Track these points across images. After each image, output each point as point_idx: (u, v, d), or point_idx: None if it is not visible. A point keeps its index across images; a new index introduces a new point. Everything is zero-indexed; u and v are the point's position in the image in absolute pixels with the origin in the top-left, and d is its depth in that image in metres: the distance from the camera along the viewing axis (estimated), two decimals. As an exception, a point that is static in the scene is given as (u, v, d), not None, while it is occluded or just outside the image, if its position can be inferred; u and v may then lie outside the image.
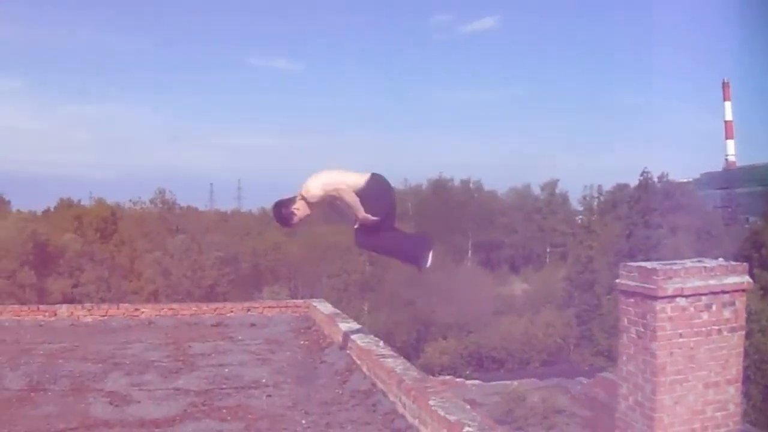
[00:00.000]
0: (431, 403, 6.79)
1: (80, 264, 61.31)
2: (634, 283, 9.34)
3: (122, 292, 56.90)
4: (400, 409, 7.65)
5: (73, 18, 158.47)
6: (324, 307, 13.85)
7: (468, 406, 6.90)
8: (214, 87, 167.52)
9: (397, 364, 8.52)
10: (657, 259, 10.43)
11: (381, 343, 9.95)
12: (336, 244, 68.72)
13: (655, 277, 8.95)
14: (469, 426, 6.16)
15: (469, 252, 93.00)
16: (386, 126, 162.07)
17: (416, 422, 7.13)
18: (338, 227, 78.35)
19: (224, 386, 9.11)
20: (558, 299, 66.34)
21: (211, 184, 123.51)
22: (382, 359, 8.77)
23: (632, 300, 9.40)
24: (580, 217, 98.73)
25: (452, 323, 61.69)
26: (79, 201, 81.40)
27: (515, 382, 39.49)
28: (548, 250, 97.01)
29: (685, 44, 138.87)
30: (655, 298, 8.95)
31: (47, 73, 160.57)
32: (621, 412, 9.67)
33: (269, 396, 8.74)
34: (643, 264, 9.47)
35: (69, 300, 49.39)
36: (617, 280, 9.69)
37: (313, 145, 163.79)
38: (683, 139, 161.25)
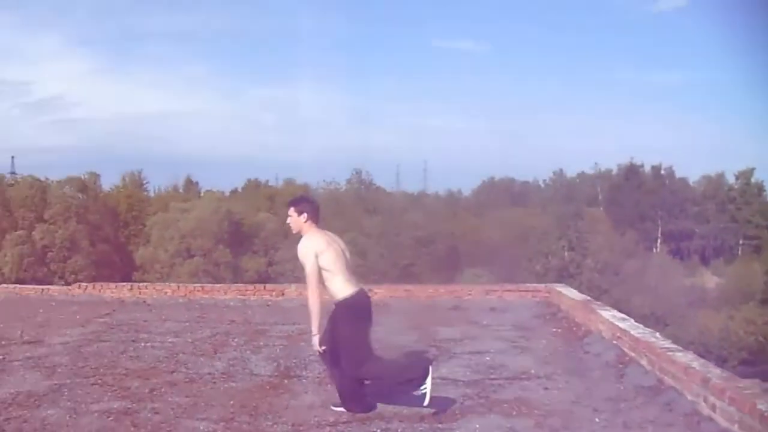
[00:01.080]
0: (762, 408, 5.79)
1: (275, 243, 62.14)
2: None
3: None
4: (705, 411, 6.75)
5: (258, 1, 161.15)
6: (570, 293, 12.95)
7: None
8: (399, 68, 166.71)
9: (689, 358, 7.60)
10: None
11: (658, 334, 9.01)
12: (534, 227, 67.58)
13: None
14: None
15: (659, 240, 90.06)
16: (574, 109, 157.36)
17: (735, 427, 6.18)
18: (531, 210, 77.31)
19: (493, 376, 8.46)
20: (757, 295, 62.97)
21: (398, 165, 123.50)
22: (669, 353, 7.84)
23: None
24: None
25: (647, 314, 59.65)
26: (267, 182, 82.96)
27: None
28: (741, 242, 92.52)
29: None
30: None
31: (233, 57, 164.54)
32: None
33: (546, 389, 7.99)
34: None
35: (264, 279, 49.91)
36: None
37: (499, 127, 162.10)
38: None
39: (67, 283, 30.70)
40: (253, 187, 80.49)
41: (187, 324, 12.07)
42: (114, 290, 15.87)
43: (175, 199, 71.90)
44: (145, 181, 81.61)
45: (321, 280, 7.20)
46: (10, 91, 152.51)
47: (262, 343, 10.34)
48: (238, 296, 14.54)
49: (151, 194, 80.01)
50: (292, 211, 7.39)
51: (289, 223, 7.49)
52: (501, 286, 15.09)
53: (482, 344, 10.13)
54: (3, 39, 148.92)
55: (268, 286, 15.54)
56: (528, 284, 16.11)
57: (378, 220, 64.34)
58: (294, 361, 9.34)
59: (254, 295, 14.60)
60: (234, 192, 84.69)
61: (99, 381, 8.47)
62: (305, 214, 7.35)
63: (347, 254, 7.42)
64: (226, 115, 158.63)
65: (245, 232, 62.49)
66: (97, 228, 67.93)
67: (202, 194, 77.24)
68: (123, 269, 64.03)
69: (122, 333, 11.52)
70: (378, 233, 59.28)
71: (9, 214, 66.10)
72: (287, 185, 78.34)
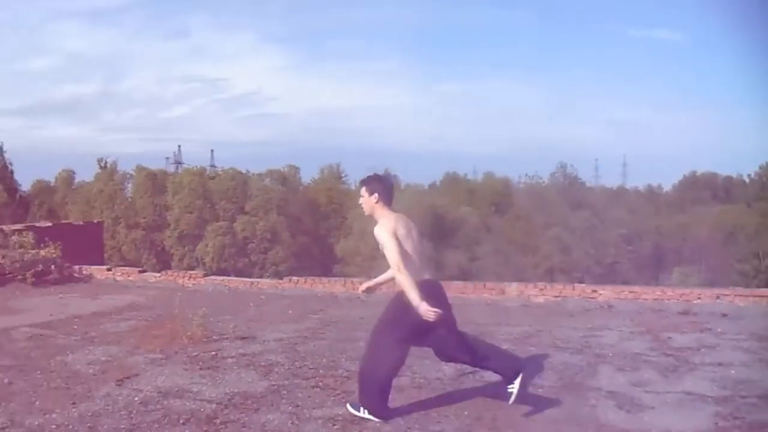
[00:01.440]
0: None
1: (477, 238, 61.92)
2: None
3: (520, 268, 56.59)
4: None
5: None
6: (815, 301, 11.92)
7: None
8: (595, 60, 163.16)
9: None
10: None
11: None
12: (741, 225, 64.73)
13: None
14: None
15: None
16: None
17: None
18: (736, 206, 74.06)
19: (743, 393, 7.63)
20: None
21: (596, 159, 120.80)
22: None
23: None
24: None
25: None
26: (465, 175, 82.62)
27: None
28: None
29: None
30: None
31: (424, 52, 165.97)
32: None
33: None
34: None
35: (466, 275, 49.69)
36: None
37: (698, 120, 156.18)
38: None
39: (277, 275, 31.26)
40: (452, 180, 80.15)
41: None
42: (326, 285, 15.78)
43: (376, 192, 72.64)
44: (343, 174, 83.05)
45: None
46: (207, 88, 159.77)
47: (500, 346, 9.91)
48: (456, 294, 14.05)
49: (351, 187, 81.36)
50: (363, 191, 7.03)
51: (361, 204, 7.09)
52: (732, 290, 14.07)
53: (722, 355, 9.30)
54: (201, 38, 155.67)
55: (488, 284, 14.89)
56: (763, 289, 15.08)
57: (582, 216, 63.08)
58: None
59: (473, 293, 14.13)
60: (432, 185, 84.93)
61: (320, 383, 8.25)
62: (377, 195, 6.93)
63: (420, 240, 6.99)
64: (419, 108, 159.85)
65: (447, 227, 62.32)
66: (297, 220, 69.58)
67: (402, 187, 77.87)
68: (323, 261, 65.26)
69: (338, 331, 11.34)
70: (582, 229, 58.02)
71: (210, 205, 68.45)
72: (487, 179, 77.72)
